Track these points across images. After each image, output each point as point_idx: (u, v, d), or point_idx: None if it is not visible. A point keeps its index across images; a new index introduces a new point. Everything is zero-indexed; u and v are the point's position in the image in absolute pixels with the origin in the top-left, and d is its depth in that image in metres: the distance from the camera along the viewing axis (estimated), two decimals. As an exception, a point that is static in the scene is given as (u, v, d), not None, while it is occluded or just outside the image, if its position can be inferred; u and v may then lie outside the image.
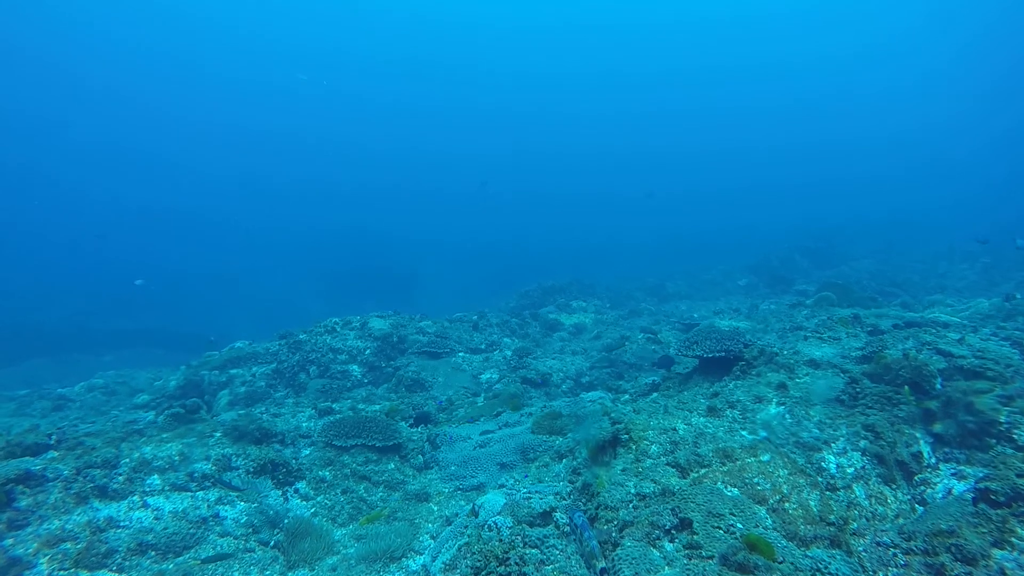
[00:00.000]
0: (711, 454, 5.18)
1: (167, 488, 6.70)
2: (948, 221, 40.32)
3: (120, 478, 6.62)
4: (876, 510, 4.78)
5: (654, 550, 4.15)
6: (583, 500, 5.31)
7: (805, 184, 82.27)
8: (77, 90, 70.06)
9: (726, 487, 4.73)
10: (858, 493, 4.88)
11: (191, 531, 6.27)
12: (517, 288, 23.99)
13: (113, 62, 69.72)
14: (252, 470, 7.14)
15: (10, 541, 5.68)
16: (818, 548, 4.19)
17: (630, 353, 12.28)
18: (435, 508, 6.96)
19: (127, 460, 6.84)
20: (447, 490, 7.27)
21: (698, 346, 7.48)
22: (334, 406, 9.62)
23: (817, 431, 5.48)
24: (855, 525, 4.56)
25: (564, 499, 5.43)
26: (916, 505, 4.87)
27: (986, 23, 65.91)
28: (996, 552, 3.67)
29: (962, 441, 5.17)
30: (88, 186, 79.08)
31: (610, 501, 4.90)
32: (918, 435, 5.37)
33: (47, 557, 5.58)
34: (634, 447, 5.60)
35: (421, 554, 6.04)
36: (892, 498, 4.91)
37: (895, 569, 3.96)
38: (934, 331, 7.24)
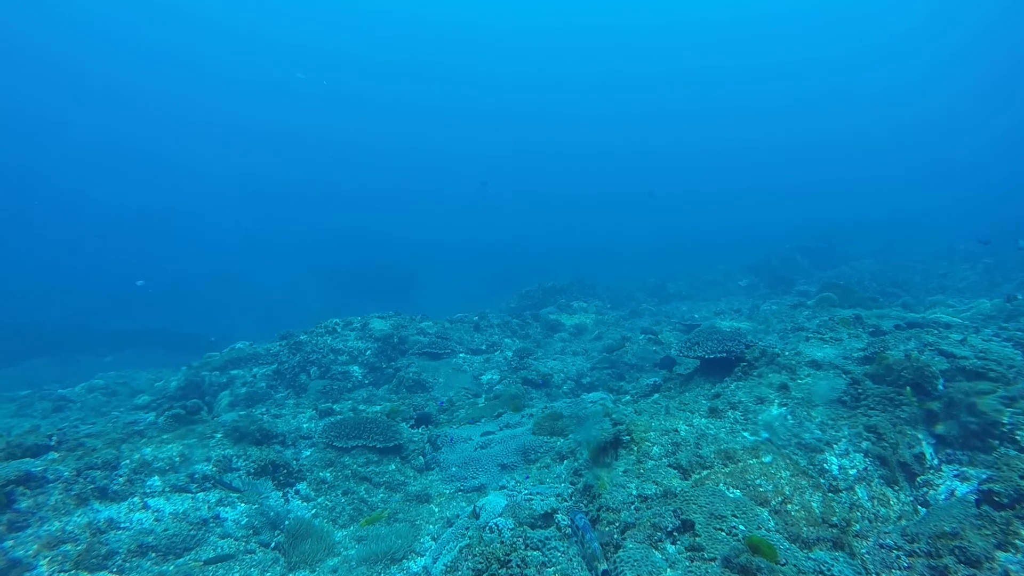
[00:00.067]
0: (713, 455, 5.17)
1: (168, 489, 6.69)
2: (948, 221, 40.33)
3: (120, 479, 6.60)
4: (879, 512, 4.76)
5: (656, 552, 4.14)
6: (585, 502, 5.29)
7: (805, 184, 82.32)
8: (77, 90, 70.08)
9: (728, 489, 4.72)
10: (860, 495, 4.86)
11: (191, 533, 6.26)
12: (517, 288, 23.97)
13: (113, 62, 69.73)
14: (253, 471, 7.12)
15: (10, 543, 5.67)
16: (821, 550, 4.18)
17: (631, 354, 12.26)
18: (436, 509, 6.94)
19: (127, 461, 6.83)
20: (448, 491, 7.26)
21: (699, 347, 7.47)
22: (335, 407, 9.61)
23: (819, 432, 5.47)
24: (858, 527, 4.55)
25: (566, 501, 5.42)
26: (919, 507, 4.86)
27: (986, 23, 65.92)
28: (1000, 554, 3.65)
29: (965, 442, 5.16)
30: (88, 186, 79.12)
31: (612, 503, 4.88)
32: (920, 436, 5.36)
33: (47, 559, 5.57)
34: (636, 448, 5.59)
35: (422, 556, 6.03)
36: (895, 500, 4.89)
37: (898, 571, 3.95)
38: (936, 332, 7.23)
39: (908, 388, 5.65)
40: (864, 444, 5.26)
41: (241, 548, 6.25)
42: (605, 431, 5.83)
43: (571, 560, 4.41)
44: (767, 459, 5.08)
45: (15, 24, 60.56)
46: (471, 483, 7.23)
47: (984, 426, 5.07)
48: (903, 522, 4.67)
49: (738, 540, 4.03)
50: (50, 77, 66.80)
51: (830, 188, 76.21)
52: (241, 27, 73.84)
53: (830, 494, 4.81)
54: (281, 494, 7.07)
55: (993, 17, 64.43)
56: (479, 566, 4.31)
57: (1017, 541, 3.72)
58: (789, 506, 4.56)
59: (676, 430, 5.71)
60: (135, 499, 6.45)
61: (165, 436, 7.56)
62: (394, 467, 7.68)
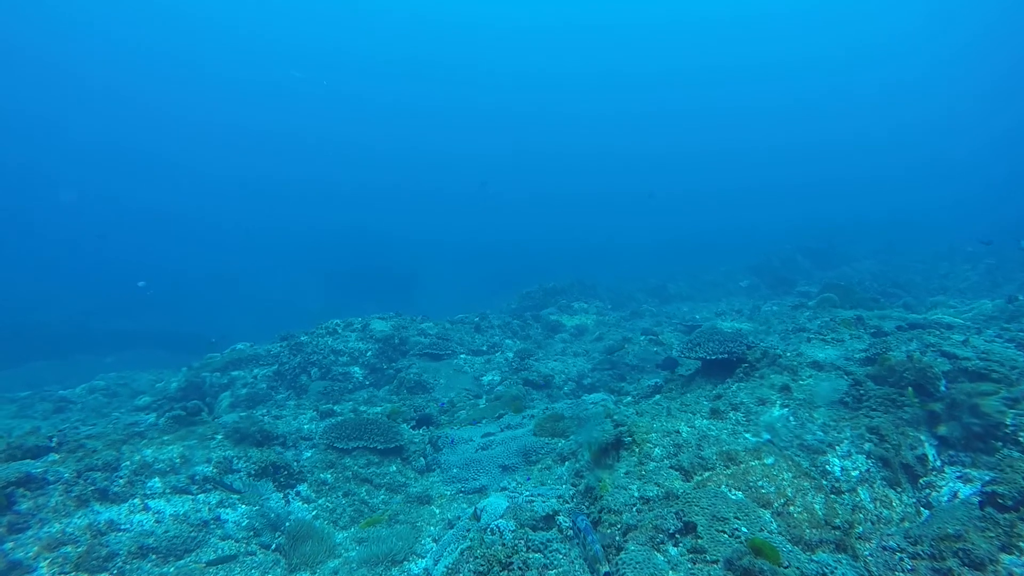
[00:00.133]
0: (715, 457, 5.15)
1: (168, 491, 6.68)
2: (948, 221, 40.35)
3: (121, 481, 6.59)
4: (881, 514, 4.75)
5: (658, 554, 4.12)
6: (586, 503, 5.28)
7: (805, 184, 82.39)
8: (77, 90, 70.10)
9: (730, 490, 4.71)
10: (863, 496, 4.85)
11: (192, 534, 6.24)
12: (518, 289, 23.97)
13: (113, 62, 69.77)
14: (253, 472, 7.11)
15: (10, 545, 5.65)
16: (824, 552, 4.17)
17: (632, 355, 12.25)
18: (437, 511, 6.93)
19: (128, 463, 6.82)
20: (449, 493, 7.25)
21: (701, 348, 7.46)
22: (335, 408, 9.60)
23: (821, 434, 5.45)
24: (860, 529, 4.54)
25: (567, 502, 5.41)
26: (921, 508, 4.85)
27: (986, 23, 65.92)
28: (1004, 557, 3.64)
29: (967, 444, 5.15)
30: (88, 186, 79.12)
31: (613, 504, 4.87)
32: (923, 438, 5.34)
33: (47, 561, 5.56)
34: (637, 450, 5.57)
35: (423, 557, 6.02)
36: (897, 501, 4.88)
37: (901, 574, 3.94)
38: (938, 333, 7.21)
39: (910, 389, 5.63)
40: (866, 445, 5.25)
41: (242, 550, 6.23)
42: (606, 432, 5.81)
43: (573, 562, 4.40)
44: (769, 461, 5.07)
45: (15, 24, 60.56)
46: (472, 484, 7.22)
47: (987, 428, 5.05)
48: (906, 524, 4.66)
49: (740, 542, 4.01)
50: (50, 77, 66.85)
51: (830, 188, 76.28)
52: (241, 27, 73.89)
53: (832, 496, 4.80)
54: (282, 495, 7.06)
55: (993, 17, 64.46)
56: (481, 568, 4.30)
57: (1021, 543, 3.70)
58: (791, 508, 4.55)
59: (678, 431, 5.70)
60: (136, 501, 6.44)
61: (166, 437, 7.54)
62: (395, 468, 7.67)
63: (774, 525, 4.35)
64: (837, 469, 5.06)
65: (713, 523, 4.23)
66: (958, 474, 4.98)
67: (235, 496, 6.86)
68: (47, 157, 76.13)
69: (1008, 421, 4.98)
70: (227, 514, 6.60)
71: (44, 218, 72.90)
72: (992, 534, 3.82)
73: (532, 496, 5.52)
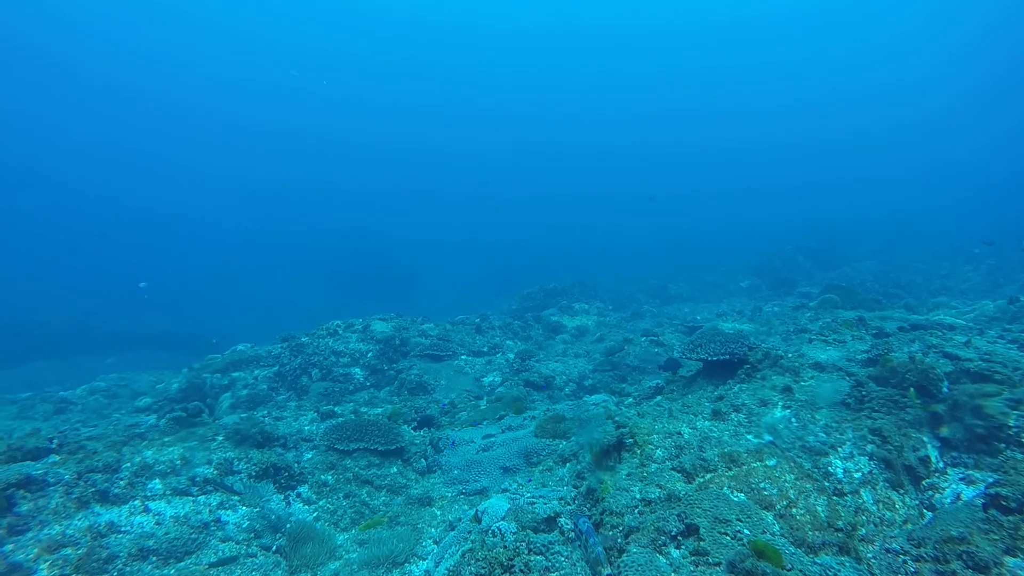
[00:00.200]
0: (716, 458, 5.14)
1: (168, 492, 6.67)
2: (948, 221, 40.35)
3: (121, 482, 6.58)
4: (884, 516, 4.74)
5: (660, 557, 4.11)
6: (588, 505, 5.26)
7: (805, 184, 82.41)
8: (77, 90, 70.10)
9: (732, 492, 4.69)
10: (866, 498, 4.83)
11: (192, 536, 6.23)
12: (518, 289, 23.97)
13: (113, 62, 69.77)
14: (254, 474, 7.10)
15: (10, 546, 5.64)
16: (827, 555, 4.15)
17: (633, 356, 12.24)
18: (438, 512, 6.92)
19: (128, 464, 6.81)
20: (450, 494, 7.24)
21: (702, 349, 7.44)
22: (336, 409, 9.58)
23: (823, 435, 5.44)
24: (863, 531, 4.52)
25: (568, 504, 5.39)
26: (924, 510, 4.83)
27: (986, 23, 65.90)
28: (1009, 560, 3.62)
29: (970, 445, 5.13)
30: (88, 186, 79.15)
31: (615, 506, 4.85)
32: (925, 439, 5.33)
33: (48, 563, 5.55)
34: (639, 451, 5.56)
35: (424, 559, 6.00)
36: (900, 503, 4.87)
37: (905, 576, 3.92)
38: (940, 334, 7.20)
39: (912, 390, 5.62)
40: (868, 447, 5.23)
41: (242, 552, 6.22)
42: (608, 434, 5.79)
43: (575, 565, 4.38)
44: (771, 462, 5.05)
45: (14, 24, 60.56)
46: (473, 486, 7.20)
47: (990, 429, 5.04)
48: (909, 526, 4.64)
49: (743, 544, 4.00)
50: (50, 77, 66.85)
51: (830, 188, 76.31)
52: (241, 27, 73.90)
53: (835, 498, 4.78)
54: (282, 497, 7.05)
55: (993, 17, 64.44)
56: (482, 571, 4.28)
57: (1025, 546, 3.69)
58: (794, 510, 4.53)
59: (679, 433, 5.68)
60: (136, 502, 6.43)
61: (166, 439, 7.53)
62: (396, 470, 7.66)
63: (776, 527, 4.33)
64: (839, 471, 5.05)
65: (715, 525, 4.21)
66: (961, 476, 4.97)
67: (236, 498, 6.85)
68: (47, 157, 76.18)
69: (1011, 423, 4.97)
70: (228, 516, 6.59)
71: (44, 219, 72.95)
72: (996, 537, 3.81)
73: (533, 498, 5.50)
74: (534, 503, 5.29)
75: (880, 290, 18.34)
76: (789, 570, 3.75)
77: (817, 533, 4.35)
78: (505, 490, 6.65)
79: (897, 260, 26.90)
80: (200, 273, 54.19)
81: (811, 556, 4.10)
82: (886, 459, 5.11)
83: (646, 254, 49.72)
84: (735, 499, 4.58)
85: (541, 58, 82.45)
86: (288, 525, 6.61)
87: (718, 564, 3.86)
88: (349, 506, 7.06)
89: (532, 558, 4.37)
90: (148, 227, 72.60)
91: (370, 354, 12.49)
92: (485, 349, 13.66)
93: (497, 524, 4.97)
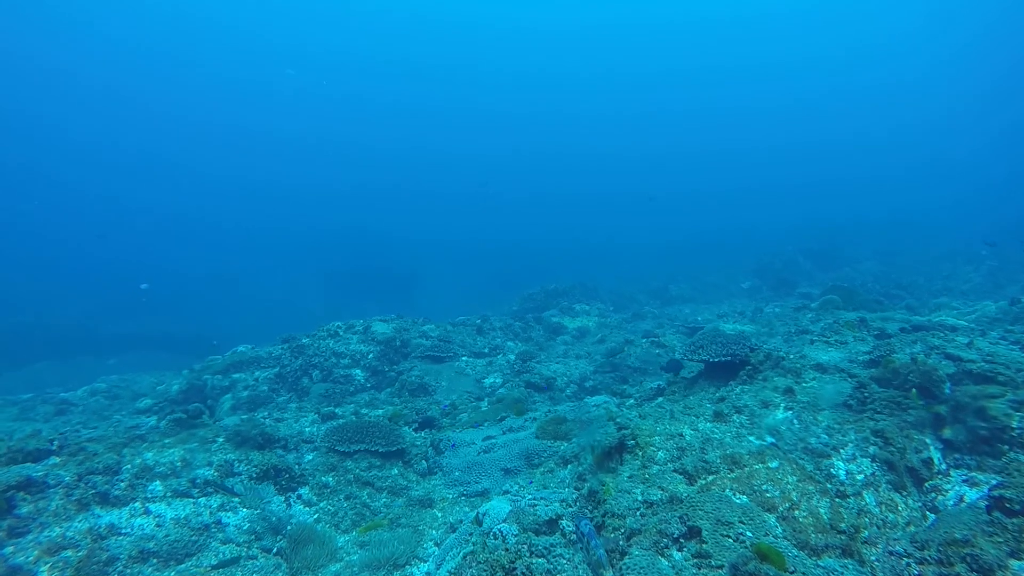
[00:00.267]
0: (719, 460, 5.12)
1: (169, 494, 6.65)
2: (948, 221, 40.34)
3: (122, 484, 6.56)
4: (887, 518, 4.72)
5: (662, 559, 4.09)
6: (589, 507, 5.25)
7: (805, 184, 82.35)
8: (77, 90, 70.12)
9: (734, 494, 4.68)
10: (868, 500, 4.82)
11: (193, 538, 6.21)
12: (518, 290, 23.96)
13: (112, 62, 69.80)
14: (255, 476, 7.09)
15: (11, 549, 5.63)
16: (830, 557, 4.14)
17: (634, 357, 12.22)
18: (439, 514, 6.90)
19: (129, 466, 6.79)
20: (451, 496, 7.22)
21: (703, 350, 7.43)
22: (337, 411, 9.57)
23: (826, 437, 5.43)
24: (866, 533, 4.51)
25: (570, 506, 5.38)
26: (927, 512, 4.82)
27: (986, 23, 65.89)
28: (1013, 563, 3.61)
29: (973, 447, 5.12)
30: (88, 186, 79.17)
31: (617, 508, 4.84)
32: (928, 441, 5.32)
33: (48, 565, 5.53)
34: (640, 453, 5.54)
35: (425, 561, 5.99)
36: (903, 505, 4.85)
37: (908, 579, 3.91)
38: (942, 335, 7.19)
39: (914, 392, 5.60)
40: (871, 449, 5.22)
41: (243, 553, 6.20)
42: (609, 435, 5.78)
43: (576, 567, 4.37)
44: (773, 464, 5.04)
45: (14, 24, 60.59)
46: (474, 488, 7.19)
47: (993, 431, 5.02)
48: (912, 528, 4.63)
49: (746, 547, 3.98)
50: (50, 77, 66.86)
51: (830, 188, 76.24)
52: (241, 28, 73.94)
53: (838, 500, 4.77)
54: (283, 499, 7.04)
55: (993, 17, 64.43)
56: (483, 573, 4.27)
57: (1029, 549, 3.67)
58: (796, 512, 4.52)
59: (681, 434, 5.67)
60: (136, 504, 6.41)
61: (167, 440, 7.52)
62: (397, 471, 7.64)
63: (779, 529, 4.32)
64: (842, 472, 5.03)
65: (718, 527, 4.20)
66: (964, 478, 4.95)
67: (236, 499, 6.83)
68: (47, 157, 76.21)
69: (1015, 424, 4.95)
70: (228, 518, 6.57)
71: (45, 218, 72.99)
72: (1000, 539, 3.79)
73: (535, 500, 5.49)
74: (535, 505, 5.27)
75: (881, 291, 18.32)
76: (792, 573, 3.73)
77: (820, 535, 4.33)
78: (506, 492, 6.64)
79: (898, 261, 26.90)
80: (200, 273, 54.20)
81: (814, 559, 4.09)
82: (889, 461, 5.10)
83: (646, 255, 49.70)
84: (737, 501, 4.57)
85: (541, 58, 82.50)
86: (289, 527, 6.59)
87: (721, 567, 3.85)
88: (350, 508, 7.04)
89: (534, 561, 4.36)
90: (148, 227, 72.63)
91: (371, 355, 12.48)
92: (486, 350, 13.65)
93: (498, 526, 4.96)
